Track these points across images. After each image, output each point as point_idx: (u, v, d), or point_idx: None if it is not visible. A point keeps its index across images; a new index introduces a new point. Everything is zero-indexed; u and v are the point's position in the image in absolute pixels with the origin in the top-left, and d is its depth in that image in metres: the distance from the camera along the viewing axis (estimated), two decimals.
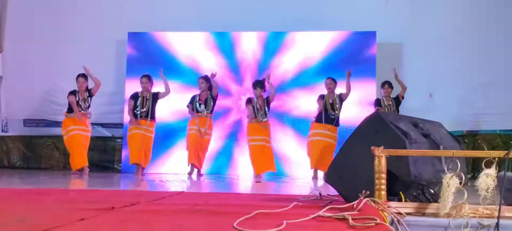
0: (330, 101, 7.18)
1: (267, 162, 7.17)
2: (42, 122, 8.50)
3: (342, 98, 7.25)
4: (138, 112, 7.16)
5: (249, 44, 8.19)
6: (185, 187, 5.29)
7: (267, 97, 7.30)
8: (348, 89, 7.21)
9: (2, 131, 8.60)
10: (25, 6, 8.69)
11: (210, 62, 8.09)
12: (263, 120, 7.18)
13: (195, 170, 7.18)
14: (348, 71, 7.19)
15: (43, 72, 8.38)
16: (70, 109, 6.99)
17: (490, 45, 7.91)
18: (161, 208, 2.54)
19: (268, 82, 7.28)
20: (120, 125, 8.09)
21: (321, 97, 7.26)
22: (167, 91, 7.30)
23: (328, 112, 7.15)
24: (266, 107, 7.24)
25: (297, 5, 8.21)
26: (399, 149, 2.48)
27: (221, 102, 7.80)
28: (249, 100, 7.32)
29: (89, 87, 7.10)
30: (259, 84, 7.27)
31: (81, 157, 6.96)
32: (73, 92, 7.00)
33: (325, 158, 6.85)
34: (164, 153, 7.93)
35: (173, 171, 7.68)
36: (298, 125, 7.90)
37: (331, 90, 7.21)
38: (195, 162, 7.10)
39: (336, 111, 7.15)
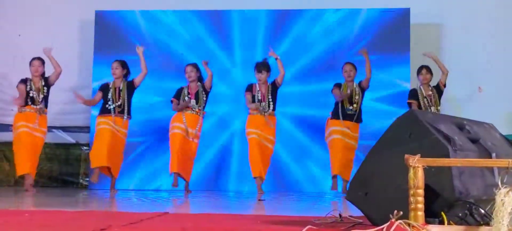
0: (348, 92, 7.14)
1: (260, 164, 7.08)
2: None
3: (362, 87, 7.22)
4: (111, 107, 7.08)
5: (249, 25, 8.22)
6: (170, 206, 5.27)
7: (274, 82, 7.21)
8: (369, 73, 7.17)
9: None
10: None
11: (199, 46, 8.13)
12: (266, 112, 7.13)
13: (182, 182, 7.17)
14: (364, 50, 7.22)
15: None
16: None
17: None
18: None
19: (276, 57, 7.18)
20: (86, 128, 8.05)
21: (337, 86, 7.20)
22: (144, 71, 7.16)
23: (345, 107, 7.14)
24: (270, 96, 7.17)
25: None
26: (440, 158, 2.47)
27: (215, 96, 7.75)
28: (248, 88, 7.26)
29: (46, 75, 7.02)
30: (264, 66, 7.19)
31: (28, 160, 6.83)
32: (24, 81, 6.92)
33: (345, 162, 6.93)
34: (142, 161, 7.95)
35: (152, 185, 7.73)
36: (314, 121, 7.86)
37: (351, 78, 7.18)
38: (180, 171, 7.04)
39: (355, 105, 7.13)
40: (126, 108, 7.13)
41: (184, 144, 7.08)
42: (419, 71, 7.23)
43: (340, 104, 7.15)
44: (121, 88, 7.16)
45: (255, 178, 7.07)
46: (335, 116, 7.18)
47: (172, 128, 7.16)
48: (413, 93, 7.19)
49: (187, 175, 7.14)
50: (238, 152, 7.76)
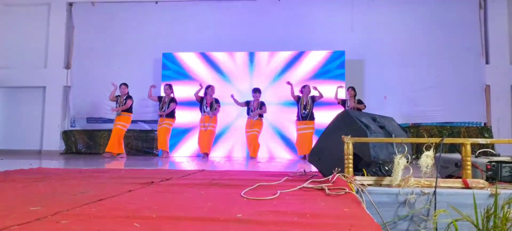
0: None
1: (252, 148, 6.98)
2: (100, 119, 8.53)
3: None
4: (161, 111, 7.06)
5: (244, 61, 8.05)
6: (205, 166, 5.27)
7: (262, 102, 7.11)
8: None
9: (71, 126, 8.66)
10: (86, 33, 8.73)
11: (214, 77, 7.97)
12: (254, 118, 7.03)
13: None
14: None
15: (101, 83, 8.39)
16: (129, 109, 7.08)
17: (429, 61, 8.01)
18: (188, 182, 2.54)
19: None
20: (156, 121, 8.04)
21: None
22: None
23: (301, 112, 7.03)
24: (258, 108, 7.05)
25: (286, 29, 8.21)
26: (362, 137, 2.48)
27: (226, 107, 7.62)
28: (246, 102, 7.18)
29: (125, 95, 7.03)
30: (257, 90, 7.12)
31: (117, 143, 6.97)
32: (130, 97, 7.04)
33: (307, 145, 6.87)
34: (186, 141, 7.89)
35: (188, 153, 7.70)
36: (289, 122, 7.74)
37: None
38: (205, 151, 7.05)
39: (307, 110, 6.98)
40: (167, 111, 7.05)
41: (203, 134, 7.05)
42: (347, 89, 7.18)
43: (298, 111, 7.03)
44: (166, 101, 7.07)
45: (251, 157, 6.97)
46: (298, 118, 7.04)
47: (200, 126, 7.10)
48: (344, 102, 7.09)
49: (207, 149, 7.06)
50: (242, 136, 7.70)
